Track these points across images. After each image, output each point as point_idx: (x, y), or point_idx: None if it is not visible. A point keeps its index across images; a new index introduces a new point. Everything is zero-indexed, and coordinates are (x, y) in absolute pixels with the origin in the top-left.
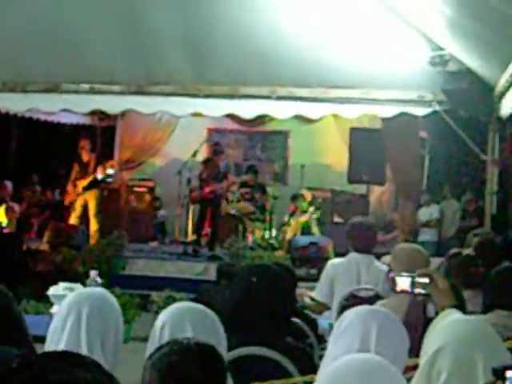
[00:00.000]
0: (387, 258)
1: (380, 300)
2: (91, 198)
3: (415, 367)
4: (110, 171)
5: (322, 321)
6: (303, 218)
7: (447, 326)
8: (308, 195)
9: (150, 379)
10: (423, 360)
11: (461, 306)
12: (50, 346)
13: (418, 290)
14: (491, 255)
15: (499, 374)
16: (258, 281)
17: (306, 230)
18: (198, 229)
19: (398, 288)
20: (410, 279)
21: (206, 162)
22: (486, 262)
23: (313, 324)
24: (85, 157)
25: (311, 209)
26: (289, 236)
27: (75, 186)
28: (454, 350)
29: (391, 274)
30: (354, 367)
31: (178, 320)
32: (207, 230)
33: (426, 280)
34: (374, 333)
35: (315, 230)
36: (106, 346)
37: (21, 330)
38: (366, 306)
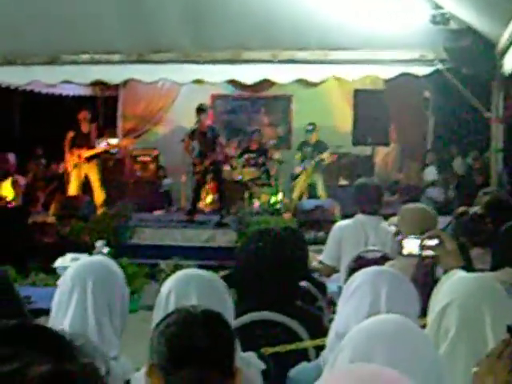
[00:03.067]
0: (394, 219)
1: (388, 261)
2: (92, 170)
3: (423, 327)
4: (114, 141)
5: (331, 284)
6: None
7: (454, 283)
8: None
9: (158, 348)
10: (430, 318)
11: (468, 267)
12: (55, 320)
13: (426, 253)
14: (501, 213)
15: None
16: (264, 246)
17: (312, 191)
18: (195, 198)
19: (406, 251)
20: (417, 241)
21: (192, 134)
22: (495, 220)
23: (322, 287)
24: (84, 128)
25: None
26: (295, 196)
27: (74, 154)
28: (461, 306)
29: (398, 237)
30: (384, 330)
31: (183, 287)
32: (213, 197)
33: (434, 242)
34: (384, 294)
35: (322, 193)
36: (113, 316)
37: (15, 305)
38: (374, 268)
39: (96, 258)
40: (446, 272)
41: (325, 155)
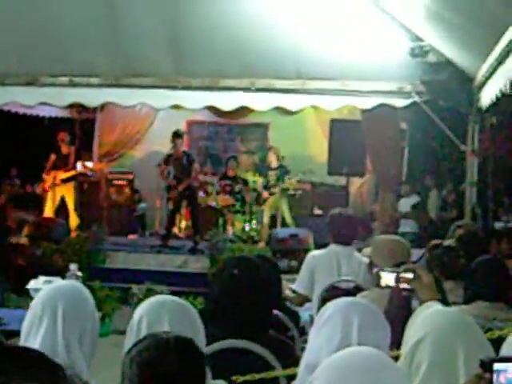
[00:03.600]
0: (367, 250)
1: (360, 291)
2: (68, 192)
3: (396, 359)
4: (89, 164)
5: (303, 313)
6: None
7: (427, 317)
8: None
9: (130, 374)
10: (404, 351)
11: (443, 300)
12: (25, 344)
13: (402, 285)
14: (473, 247)
15: (487, 366)
16: (239, 273)
17: (281, 214)
18: (169, 223)
19: (383, 283)
20: (394, 274)
21: (168, 159)
22: (468, 253)
23: (294, 316)
24: (64, 149)
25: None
26: (265, 221)
27: (51, 175)
28: (434, 341)
29: (375, 269)
30: (357, 362)
31: (155, 313)
32: (187, 222)
33: (410, 275)
34: (356, 325)
35: (288, 220)
36: (84, 342)
37: None
38: (347, 298)
39: (67, 282)
40: (421, 304)
41: (291, 182)
